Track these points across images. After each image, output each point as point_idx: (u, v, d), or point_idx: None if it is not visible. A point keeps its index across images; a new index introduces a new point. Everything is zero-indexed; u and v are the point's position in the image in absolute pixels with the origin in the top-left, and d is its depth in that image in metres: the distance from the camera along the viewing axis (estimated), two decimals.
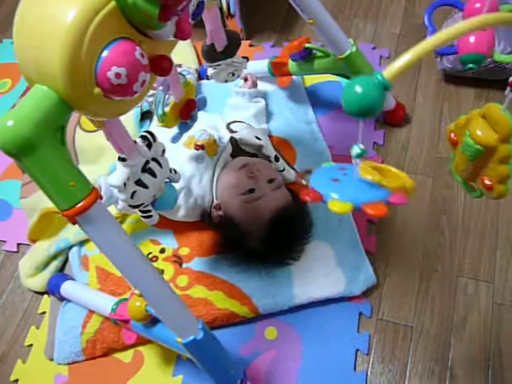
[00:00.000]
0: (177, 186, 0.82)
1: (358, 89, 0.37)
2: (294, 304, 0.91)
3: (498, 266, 0.94)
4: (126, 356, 0.92)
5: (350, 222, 0.99)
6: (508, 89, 0.49)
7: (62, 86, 0.47)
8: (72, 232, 0.99)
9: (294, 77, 1.16)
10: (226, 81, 0.87)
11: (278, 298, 0.90)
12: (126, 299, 0.83)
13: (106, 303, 0.86)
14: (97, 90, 0.48)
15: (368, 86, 0.37)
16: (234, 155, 0.98)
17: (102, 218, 0.55)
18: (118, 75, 0.47)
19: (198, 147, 0.96)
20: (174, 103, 0.77)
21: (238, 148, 0.99)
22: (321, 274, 0.92)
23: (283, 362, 0.89)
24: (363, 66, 0.96)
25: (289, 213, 0.89)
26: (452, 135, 0.57)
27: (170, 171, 0.78)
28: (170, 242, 0.99)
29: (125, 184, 0.67)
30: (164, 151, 0.74)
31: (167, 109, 0.77)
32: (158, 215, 0.78)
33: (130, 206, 0.71)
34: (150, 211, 0.76)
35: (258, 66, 1.12)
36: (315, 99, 1.19)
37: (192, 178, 0.94)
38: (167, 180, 0.79)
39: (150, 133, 0.71)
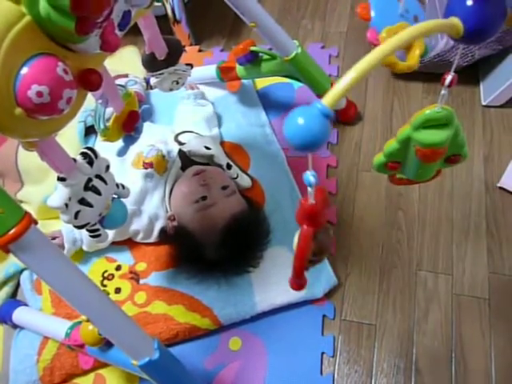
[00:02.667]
0: (127, 207, 0.79)
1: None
2: (256, 312, 0.89)
3: (455, 257, 0.95)
4: (86, 381, 0.88)
5: None
6: (444, 87, 0.49)
7: None
8: None
9: (244, 80, 1.14)
10: (171, 89, 0.85)
11: (240, 307, 0.89)
12: (80, 322, 0.80)
13: (60, 328, 0.82)
14: (18, 110, 0.45)
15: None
16: (184, 168, 0.96)
17: (37, 245, 0.52)
18: (39, 94, 0.44)
19: (147, 165, 0.93)
20: (116, 116, 0.74)
21: (187, 160, 0.97)
22: (281, 279, 0.91)
23: (249, 373, 0.87)
24: (310, 67, 0.96)
25: (243, 219, 0.88)
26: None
27: (118, 186, 0.75)
28: (125, 259, 0.96)
29: (66, 205, 0.64)
30: (108, 167, 0.71)
31: (109, 122, 0.74)
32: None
33: (75, 226, 0.68)
34: (98, 230, 0.72)
35: (206, 71, 1.10)
36: (267, 102, 1.18)
37: (143, 198, 0.92)
38: (115, 196, 0.76)
39: (91, 149, 0.68)
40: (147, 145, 0.95)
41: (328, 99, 0.35)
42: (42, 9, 0.42)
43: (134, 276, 0.94)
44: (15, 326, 0.92)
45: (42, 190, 0.95)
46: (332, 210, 1.02)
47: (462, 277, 0.93)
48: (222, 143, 1.07)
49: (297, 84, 1.19)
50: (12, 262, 0.96)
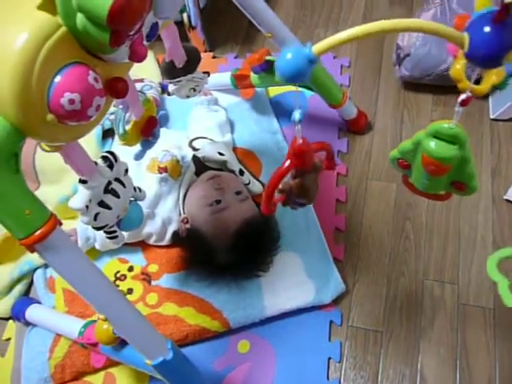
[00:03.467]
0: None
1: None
2: (265, 316, 0.91)
3: (461, 267, 0.97)
4: (96, 379, 0.90)
5: (317, 230, 1.00)
6: (457, 104, 0.50)
7: (14, 113, 0.46)
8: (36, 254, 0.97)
9: (257, 88, 1.16)
10: (188, 96, 0.87)
11: (249, 310, 0.90)
12: (94, 321, 0.82)
13: (73, 326, 0.84)
14: (50, 116, 0.47)
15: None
16: (198, 173, 0.99)
17: (62, 245, 0.54)
18: (71, 101, 0.47)
19: (162, 170, 0.95)
20: (135, 121, 0.76)
21: (201, 166, 0.99)
22: (290, 284, 0.93)
23: (257, 375, 0.89)
24: (323, 76, 0.98)
25: (255, 224, 0.90)
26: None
27: (135, 189, 0.77)
28: (138, 260, 0.98)
29: (87, 206, 0.66)
30: (127, 170, 0.73)
31: (128, 127, 0.76)
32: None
33: (93, 227, 0.70)
34: (115, 231, 0.74)
35: (221, 78, 1.12)
36: (279, 109, 1.20)
37: (156, 202, 0.94)
38: (132, 199, 0.78)
39: (112, 153, 0.70)
40: (162, 150, 0.98)
41: (317, 47, 0.41)
42: (78, 21, 0.44)
43: (146, 277, 0.95)
44: (28, 324, 0.94)
45: (58, 191, 0.97)
46: (341, 218, 1.04)
47: (467, 286, 0.95)
48: (235, 149, 1.09)
49: (309, 93, 1.21)
50: (26, 260, 0.98)
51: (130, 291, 0.94)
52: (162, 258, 0.98)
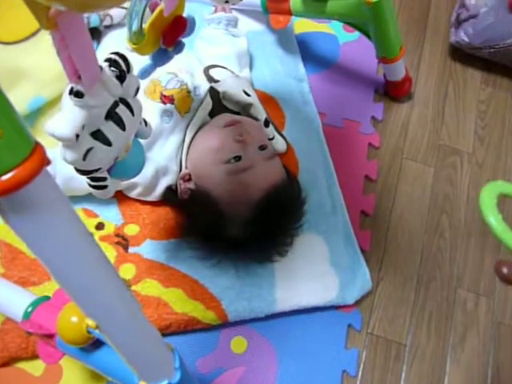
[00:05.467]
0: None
1: None
2: (274, 311, 0.71)
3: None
4: (35, 367, 0.66)
5: (342, 210, 0.80)
6: None
7: None
8: None
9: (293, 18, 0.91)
10: (227, 1, 0.60)
11: (255, 302, 0.70)
12: (47, 298, 0.57)
13: (14, 301, 0.58)
14: None
15: None
16: (212, 114, 0.74)
17: (47, 201, 0.29)
18: None
19: (166, 99, 0.69)
20: (157, 17, 0.50)
21: (218, 104, 0.74)
22: (311, 274, 0.73)
23: (253, 383, 0.69)
24: (391, 19, 0.76)
25: (284, 192, 0.68)
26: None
27: (140, 122, 0.52)
28: (111, 215, 0.73)
29: (77, 136, 0.40)
30: (138, 90, 0.48)
31: (145, 25, 0.50)
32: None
33: (78, 170, 0.45)
34: (104, 179, 0.49)
35: None
36: (305, 52, 0.96)
37: (153, 141, 0.69)
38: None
39: (122, 56, 0.44)
40: (167, 72, 0.71)
41: None
42: None
43: (122, 241, 0.71)
44: None
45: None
46: (369, 199, 0.85)
47: (504, 303, 0.81)
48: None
49: (343, 38, 0.99)
50: None
51: None
52: (144, 217, 0.73)
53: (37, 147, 0.27)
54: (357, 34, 0.99)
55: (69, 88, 0.40)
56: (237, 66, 0.82)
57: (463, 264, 0.83)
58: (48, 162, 0.29)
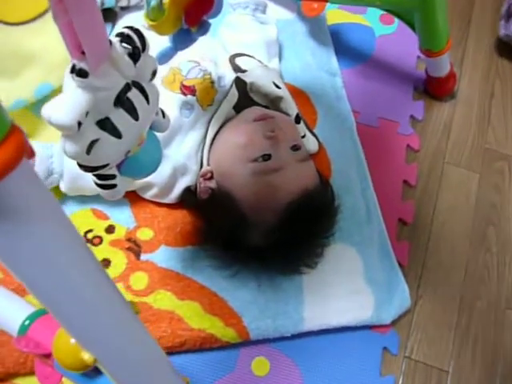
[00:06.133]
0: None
1: None
2: (301, 330, 0.63)
3: None
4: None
5: (378, 218, 0.72)
6: None
7: None
8: None
9: (328, 6, 0.82)
10: None
11: (281, 320, 0.62)
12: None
13: (11, 312, 0.52)
14: None
15: None
16: (238, 108, 0.66)
17: (26, 207, 0.22)
18: None
19: (186, 90, 0.62)
20: None
21: (245, 97, 0.66)
22: (343, 290, 0.65)
23: None
24: (441, 8, 0.67)
25: (317, 198, 0.60)
26: None
27: (157, 113, 0.45)
28: (123, 218, 0.66)
29: (79, 123, 0.33)
30: (155, 73, 0.41)
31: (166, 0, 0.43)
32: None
33: (82, 166, 0.38)
34: (113, 177, 0.42)
35: None
36: (338, 44, 0.89)
37: (171, 137, 0.61)
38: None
39: (138, 31, 0.37)
40: (188, 60, 0.64)
41: None
42: None
43: (134, 246, 0.64)
44: None
45: (12, 88, 0.61)
46: (408, 206, 0.77)
47: None
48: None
49: (380, 30, 0.90)
50: None
51: (107, 263, 0.63)
52: (160, 220, 0.66)
53: (14, 131, 0.20)
54: (394, 26, 0.92)
55: (70, 65, 0.33)
56: (265, 55, 0.74)
57: None
58: (31, 154, 0.22)
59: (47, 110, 0.33)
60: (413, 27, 0.74)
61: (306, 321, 0.63)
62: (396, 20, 0.91)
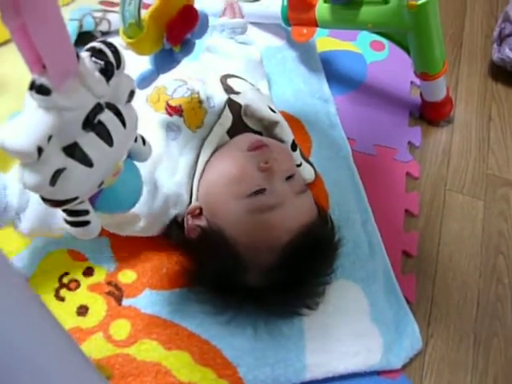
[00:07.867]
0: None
1: None
2: (303, 380, 0.56)
3: None
4: None
5: (381, 251, 0.67)
6: None
7: None
8: None
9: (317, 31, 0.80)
10: None
11: (281, 369, 0.55)
12: None
13: None
14: None
15: None
16: (231, 132, 0.61)
17: None
18: None
19: (172, 110, 0.58)
20: (160, 4, 0.39)
21: (239, 121, 0.62)
22: (348, 332, 0.59)
23: None
24: (435, 25, 0.65)
25: (317, 234, 0.55)
26: None
27: (136, 139, 0.40)
28: (103, 259, 0.60)
29: (39, 149, 0.28)
30: (133, 94, 0.36)
31: (145, 14, 0.39)
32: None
33: (45, 200, 0.32)
34: (86, 213, 0.37)
35: (268, 7, 0.75)
36: (329, 71, 0.86)
37: (157, 161, 0.56)
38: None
39: (111, 45, 0.33)
40: (173, 79, 0.60)
41: None
42: None
43: (114, 290, 0.57)
44: None
45: None
46: (412, 237, 0.72)
47: None
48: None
49: (371, 57, 0.88)
50: None
51: (84, 311, 0.56)
52: (144, 261, 0.60)
53: None
54: (385, 52, 0.90)
55: (30, 82, 0.28)
56: (251, 78, 0.70)
57: None
58: None
59: (1, 134, 0.28)
60: (406, 50, 0.71)
61: (309, 368, 0.56)
62: (387, 46, 0.90)
